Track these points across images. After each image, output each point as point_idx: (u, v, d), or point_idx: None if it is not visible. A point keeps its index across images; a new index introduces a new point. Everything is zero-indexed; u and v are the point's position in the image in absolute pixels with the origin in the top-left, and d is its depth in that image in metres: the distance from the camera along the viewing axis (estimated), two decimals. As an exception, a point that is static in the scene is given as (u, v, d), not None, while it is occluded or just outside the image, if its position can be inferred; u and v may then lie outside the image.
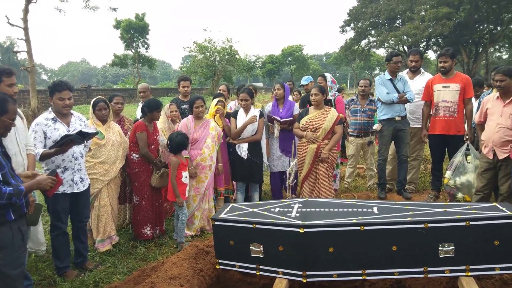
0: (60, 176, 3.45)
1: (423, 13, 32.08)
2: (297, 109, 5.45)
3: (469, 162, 5.02)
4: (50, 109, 3.58)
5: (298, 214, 2.93)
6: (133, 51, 34.83)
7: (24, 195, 2.48)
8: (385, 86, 5.53)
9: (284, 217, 2.88)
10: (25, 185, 2.50)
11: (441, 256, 2.56)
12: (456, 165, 5.09)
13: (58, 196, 3.48)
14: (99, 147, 4.13)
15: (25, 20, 15.56)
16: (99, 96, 4.39)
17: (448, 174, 5.18)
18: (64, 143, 3.23)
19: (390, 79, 5.52)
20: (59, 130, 3.48)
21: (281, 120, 5.24)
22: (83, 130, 3.32)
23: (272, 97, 5.88)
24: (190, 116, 4.84)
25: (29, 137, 3.42)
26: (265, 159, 5.37)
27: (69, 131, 3.51)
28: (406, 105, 5.57)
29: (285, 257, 2.79)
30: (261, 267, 2.90)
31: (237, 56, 40.18)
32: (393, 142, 5.71)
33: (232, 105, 5.99)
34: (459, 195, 5.10)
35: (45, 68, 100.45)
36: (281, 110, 5.46)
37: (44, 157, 3.34)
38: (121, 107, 4.75)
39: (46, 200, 3.58)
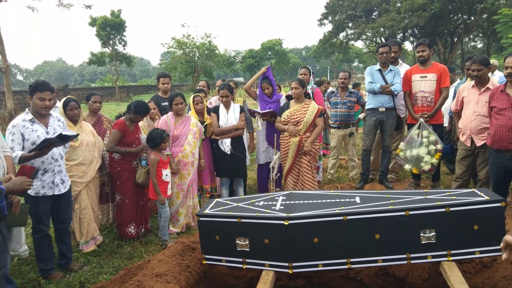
0: (40, 178, 3.40)
1: (398, 4, 32.46)
2: (283, 101, 5.45)
3: (424, 137, 5.11)
4: (27, 110, 3.50)
5: (282, 207, 2.95)
6: (110, 48, 34.22)
7: (4, 195, 2.47)
8: (372, 76, 5.58)
9: (268, 210, 2.90)
10: (4, 185, 2.50)
11: (423, 243, 2.62)
12: (410, 138, 5.21)
13: (39, 199, 3.43)
14: (73, 149, 4.04)
15: (-4, 19, 15.12)
16: (69, 96, 4.29)
17: (401, 145, 5.33)
18: (44, 147, 3.17)
19: (379, 70, 5.57)
20: (37, 131, 3.40)
21: (261, 112, 5.25)
22: (63, 133, 3.25)
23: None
24: (170, 113, 4.80)
25: (6, 139, 3.34)
26: (247, 154, 5.38)
27: (48, 132, 3.44)
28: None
29: (271, 249, 2.81)
30: (247, 260, 2.91)
31: (216, 51, 39.91)
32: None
33: (213, 100, 5.98)
34: (407, 166, 5.24)
35: (20, 68, 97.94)
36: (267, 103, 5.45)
37: (23, 160, 3.25)
38: (99, 106, 4.62)
39: (26, 203, 3.51)
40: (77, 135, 3.63)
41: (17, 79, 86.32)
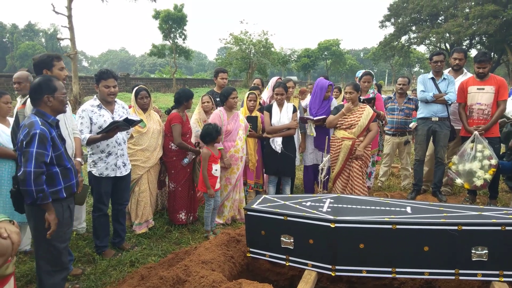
0: (104, 160, 3.65)
1: (467, 10, 30.92)
2: (334, 104, 5.42)
3: (478, 151, 4.87)
4: (95, 96, 3.77)
5: (329, 209, 2.97)
6: (171, 41, 35.32)
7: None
8: (425, 84, 5.42)
9: (315, 211, 2.93)
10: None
11: (473, 259, 2.54)
12: (464, 151, 4.99)
13: (101, 179, 3.68)
14: (140, 135, 4.31)
15: (69, 8, 16.06)
16: (141, 85, 4.53)
17: (454, 158, 5.12)
18: (111, 129, 3.41)
19: (432, 78, 5.40)
20: (104, 116, 3.66)
21: (315, 118, 5.23)
22: (129, 117, 3.47)
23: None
24: (221, 108, 4.86)
25: (76, 122, 3.61)
26: (297, 154, 5.40)
27: (113, 118, 3.69)
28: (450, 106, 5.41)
29: (315, 250, 2.84)
30: (291, 258, 2.96)
31: (272, 49, 40.04)
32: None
33: (265, 96, 6.05)
34: (458, 181, 5.03)
35: (86, 55, 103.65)
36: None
37: (90, 142, 3.53)
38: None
39: (90, 183, 3.78)
40: (141, 120, 3.85)
41: (83, 65, 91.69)
